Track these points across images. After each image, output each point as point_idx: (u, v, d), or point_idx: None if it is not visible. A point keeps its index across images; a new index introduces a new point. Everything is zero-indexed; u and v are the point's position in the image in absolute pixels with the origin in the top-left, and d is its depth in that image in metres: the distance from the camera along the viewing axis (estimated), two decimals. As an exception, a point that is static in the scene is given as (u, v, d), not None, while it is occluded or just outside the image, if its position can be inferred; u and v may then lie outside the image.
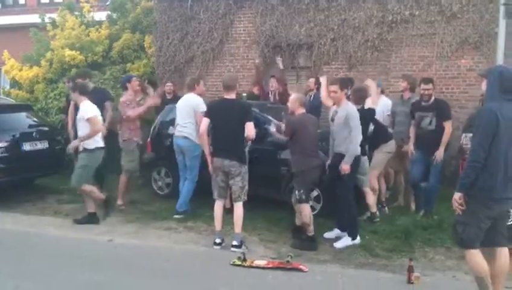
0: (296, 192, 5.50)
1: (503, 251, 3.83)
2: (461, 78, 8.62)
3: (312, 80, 8.62)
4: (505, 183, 3.66)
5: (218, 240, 5.56)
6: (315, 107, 7.68)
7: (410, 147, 6.53)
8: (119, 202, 7.19)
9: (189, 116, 6.59)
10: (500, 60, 7.82)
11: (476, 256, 3.76)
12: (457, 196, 3.77)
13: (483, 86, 3.87)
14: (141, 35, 10.86)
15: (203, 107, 6.29)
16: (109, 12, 11.44)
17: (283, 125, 5.77)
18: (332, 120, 5.70)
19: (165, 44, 10.49)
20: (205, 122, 5.58)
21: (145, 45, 10.73)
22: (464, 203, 3.74)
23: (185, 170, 6.78)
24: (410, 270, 4.58)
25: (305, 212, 5.49)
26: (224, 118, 5.44)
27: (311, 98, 8.13)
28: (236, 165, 5.43)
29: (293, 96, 5.70)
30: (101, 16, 11.49)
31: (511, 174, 3.67)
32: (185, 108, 6.65)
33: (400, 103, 6.95)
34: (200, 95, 6.78)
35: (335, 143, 5.69)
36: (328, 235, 5.87)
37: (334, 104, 5.81)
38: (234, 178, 5.47)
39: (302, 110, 5.64)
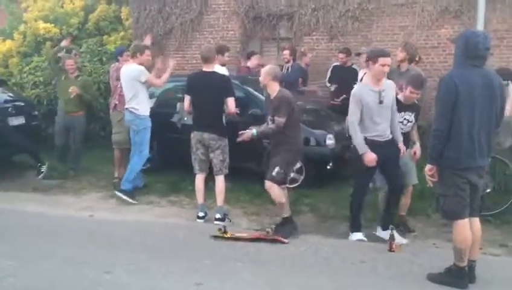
0: (277, 169, 4.89)
1: (474, 221, 3.82)
2: (441, 48, 8.62)
3: (287, 51, 8.03)
4: (471, 152, 3.60)
5: (201, 214, 5.55)
6: (292, 81, 7.27)
7: None
8: (116, 175, 7.03)
9: (132, 88, 6.12)
10: (480, 29, 7.81)
11: (460, 226, 3.71)
12: (427, 167, 3.76)
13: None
14: (117, 6, 10.56)
15: (145, 76, 6.08)
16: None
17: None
18: (381, 102, 4.73)
19: (143, 15, 10.23)
20: (187, 99, 5.50)
21: (121, 17, 10.45)
22: (437, 174, 3.73)
23: (134, 143, 6.37)
24: (391, 238, 4.62)
25: (276, 192, 4.95)
26: (203, 90, 5.36)
27: (288, 70, 7.77)
28: (215, 138, 5.38)
29: (265, 69, 5.10)
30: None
31: (478, 143, 3.61)
32: (127, 79, 6.18)
33: (397, 74, 5.76)
34: (142, 64, 6.17)
35: (380, 127, 4.76)
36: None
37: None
38: (214, 151, 5.42)
39: (276, 85, 5.04)
